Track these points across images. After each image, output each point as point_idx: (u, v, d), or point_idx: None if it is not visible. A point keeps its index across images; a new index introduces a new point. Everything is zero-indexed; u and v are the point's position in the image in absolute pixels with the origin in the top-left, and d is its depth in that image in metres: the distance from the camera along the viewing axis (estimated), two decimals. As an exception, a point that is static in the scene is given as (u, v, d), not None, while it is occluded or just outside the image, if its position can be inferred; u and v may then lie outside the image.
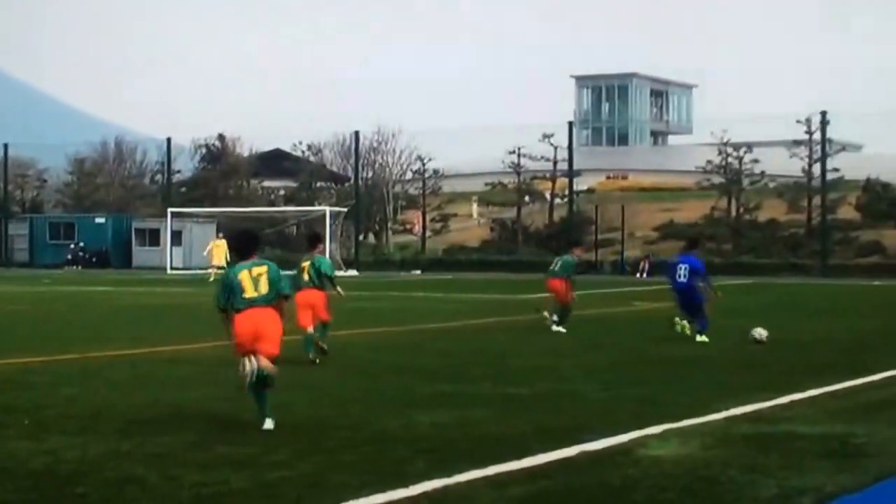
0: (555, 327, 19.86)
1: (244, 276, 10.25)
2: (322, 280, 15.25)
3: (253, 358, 9.92)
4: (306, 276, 15.23)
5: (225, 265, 49.12)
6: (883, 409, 10.85)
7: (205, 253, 49.84)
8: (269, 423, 9.80)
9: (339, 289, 15.87)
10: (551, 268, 20.85)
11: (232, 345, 10.22)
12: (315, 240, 16.40)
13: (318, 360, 14.69)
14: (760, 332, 17.78)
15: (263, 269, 10.34)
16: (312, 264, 15.35)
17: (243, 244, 10.86)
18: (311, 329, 15.01)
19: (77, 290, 36.40)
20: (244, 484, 7.53)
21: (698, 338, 17.95)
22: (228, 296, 10.18)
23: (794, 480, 7.64)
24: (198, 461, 8.25)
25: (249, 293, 10.14)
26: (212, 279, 46.45)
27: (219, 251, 47.14)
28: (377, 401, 11.38)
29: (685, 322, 18.63)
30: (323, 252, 12.77)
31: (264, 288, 10.16)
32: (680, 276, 18.65)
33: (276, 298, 10.22)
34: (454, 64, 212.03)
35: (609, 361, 15.21)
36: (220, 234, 52.83)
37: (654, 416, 10.11)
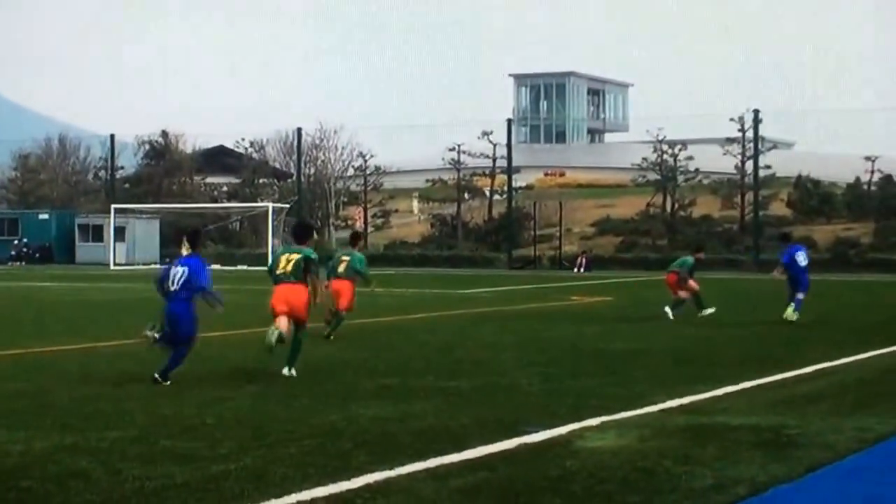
0: (669, 312, 21.94)
1: (283, 258, 13.41)
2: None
3: (276, 321, 12.98)
4: (340, 269, 18.05)
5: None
6: (814, 401, 11.07)
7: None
8: (286, 371, 12.85)
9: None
10: (671, 265, 23.51)
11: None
12: (300, 234, 14.63)
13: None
14: (790, 314, 20.85)
15: (296, 256, 13.24)
16: (352, 258, 18.19)
17: (299, 233, 14.13)
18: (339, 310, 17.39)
19: (20, 285, 35.99)
20: (187, 478, 7.57)
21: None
22: (271, 270, 13.50)
23: (729, 471, 7.79)
24: (141, 455, 8.27)
25: (280, 270, 13.23)
26: None
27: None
28: (320, 395, 11.43)
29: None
30: (312, 245, 14.04)
31: (290, 268, 13.07)
32: (800, 262, 21.59)
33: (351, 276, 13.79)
34: (395, 62, 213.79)
35: (548, 355, 15.35)
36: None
37: (593, 409, 10.27)
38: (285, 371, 13.00)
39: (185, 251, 12.67)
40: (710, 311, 22.20)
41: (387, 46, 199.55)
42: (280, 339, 12.83)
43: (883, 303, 27.23)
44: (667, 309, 21.89)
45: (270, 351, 12.84)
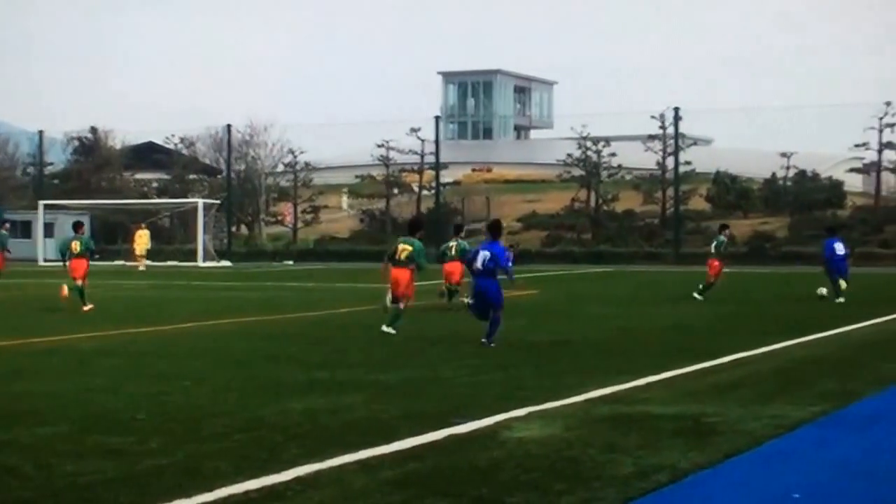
0: (697, 296, 25.55)
1: (399, 247, 17.79)
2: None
3: (388, 294, 17.78)
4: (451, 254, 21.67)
5: (145, 253, 49.61)
6: (732, 390, 11.34)
7: (135, 246, 50.05)
8: (385, 328, 17.20)
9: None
10: (711, 253, 27.11)
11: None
12: (414, 228, 19.16)
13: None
14: (822, 290, 25.16)
15: (409, 247, 17.73)
16: (459, 245, 21.51)
17: (413, 227, 18.87)
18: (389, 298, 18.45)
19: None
20: (119, 473, 7.59)
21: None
22: (391, 256, 17.74)
23: (651, 458, 7.97)
24: (73, 451, 8.28)
25: (398, 257, 17.59)
26: (141, 268, 46.60)
27: (141, 241, 49.18)
28: (251, 389, 11.48)
29: (825, 290, 25.40)
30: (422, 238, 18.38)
31: (404, 256, 17.49)
32: (838, 251, 25.88)
33: (413, 265, 17.53)
34: (324, 59, 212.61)
35: (475, 348, 15.46)
36: (143, 224, 52.78)
37: (519, 400, 10.42)
38: (385, 328, 17.36)
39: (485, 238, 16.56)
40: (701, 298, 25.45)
41: (316, 44, 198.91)
42: (392, 302, 17.78)
43: (797, 295, 27.78)
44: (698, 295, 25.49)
45: (385, 310, 18.04)
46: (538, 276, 41.46)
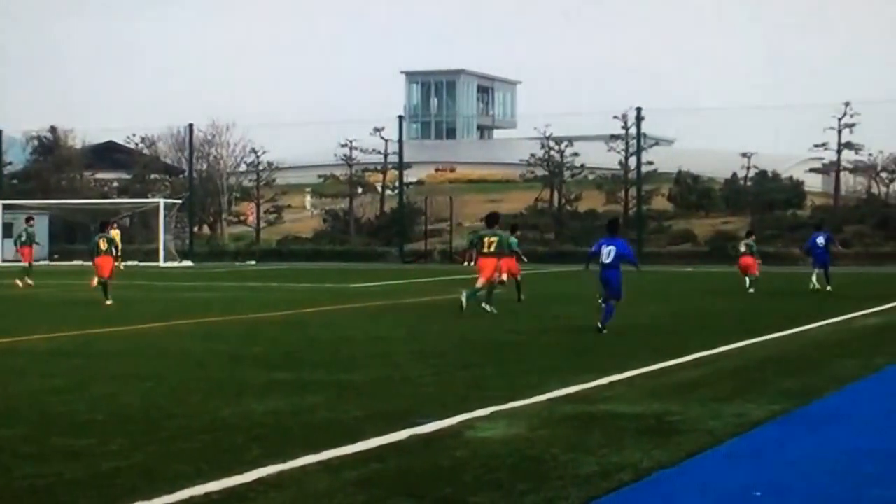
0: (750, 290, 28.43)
1: (486, 240, 21.54)
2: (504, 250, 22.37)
3: (480, 281, 21.28)
4: (486, 248, 22.02)
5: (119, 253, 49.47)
6: (694, 388, 11.40)
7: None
8: (489, 308, 21.09)
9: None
10: (742, 252, 30.42)
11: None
12: (492, 221, 22.52)
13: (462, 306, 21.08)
14: (815, 283, 28.39)
15: (495, 238, 21.67)
16: (500, 239, 22.28)
17: (490, 220, 22.43)
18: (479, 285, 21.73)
19: None
20: (78, 475, 7.52)
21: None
22: (474, 242, 22.05)
23: (614, 457, 7.99)
24: (31, 453, 8.20)
25: (486, 249, 21.42)
26: (122, 267, 46.48)
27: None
28: (212, 390, 11.42)
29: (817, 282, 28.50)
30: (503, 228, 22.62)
31: (493, 248, 21.36)
32: (819, 244, 29.54)
33: (502, 253, 21.49)
34: (287, 58, 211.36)
35: (439, 347, 15.51)
36: (115, 224, 52.56)
37: (482, 399, 10.42)
38: (487, 307, 21.15)
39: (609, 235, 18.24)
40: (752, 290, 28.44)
41: (278, 43, 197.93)
42: (491, 286, 21.56)
43: (756, 293, 27.99)
44: (751, 290, 28.40)
45: (486, 292, 21.56)
46: (501, 275, 41.48)
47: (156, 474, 7.55)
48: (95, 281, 25.13)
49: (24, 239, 36.14)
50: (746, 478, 7.48)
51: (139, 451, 8.27)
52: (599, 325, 17.39)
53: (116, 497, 6.98)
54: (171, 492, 7.01)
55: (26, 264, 34.27)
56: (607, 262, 17.93)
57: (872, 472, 7.64)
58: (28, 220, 37.86)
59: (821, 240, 29.75)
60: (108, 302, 24.13)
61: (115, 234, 50.51)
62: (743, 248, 30.60)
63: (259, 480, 7.33)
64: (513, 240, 24.88)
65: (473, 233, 26.14)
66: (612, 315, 17.66)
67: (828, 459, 8.05)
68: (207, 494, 7.00)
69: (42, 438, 8.78)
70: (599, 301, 18.43)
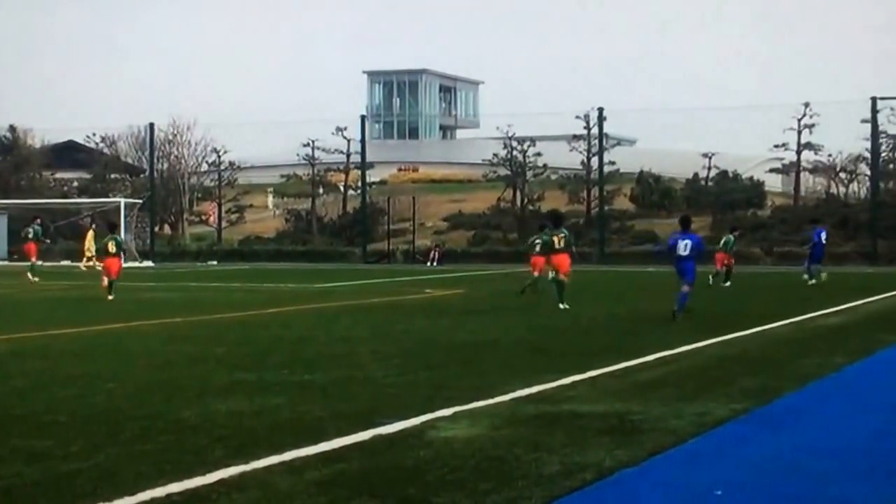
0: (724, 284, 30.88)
1: (555, 238, 23.58)
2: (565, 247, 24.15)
3: (551, 272, 23.54)
4: (557, 245, 23.83)
5: (94, 253, 49.42)
6: (656, 388, 11.44)
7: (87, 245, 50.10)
8: (562, 305, 22.48)
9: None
10: (718, 247, 32.82)
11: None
12: (559, 220, 25.13)
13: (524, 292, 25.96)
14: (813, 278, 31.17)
15: (562, 234, 23.79)
16: (566, 236, 24.20)
17: (558, 219, 25.10)
18: (536, 274, 26.14)
19: None
20: (38, 477, 7.46)
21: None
22: (546, 242, 24.05)
23: (577, 457, 8.02)
24: (-10, 455, 8.13)
25: (556, 245, 23.43)
26: (98, 267, 46.28)
27: (91, 242, 49.01)
28: (174, 390, 11.36)
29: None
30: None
31: (563, 244, 23.51)
32: (822, 240, 32.76)
33: (567, 249, 23.52)
34: (249, 57, 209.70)
35: (402, 347, 15.51)
36: (94, 225, 52.40)
37: (445, 400, 10.42)
38: (562, 305, 22.46)
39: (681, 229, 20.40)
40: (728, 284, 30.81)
41: (240, 42, 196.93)
42: (554, 280, 23.53)
43: (718, 293, 28.18)
44: (726, 284, 30.97)
45: (553, 282, 23.68)
46: (464, 275, 41.58)
47: (117, 476, 7.50)
48: (106, 281, 26.50)
49: (30, 236, 38.44)
50: (708, 477, 7.53)
51: (100, 453, 8.22)
52: (675, 310, 19.69)
53: (76, 499, 6.94)
54: (133, 493, 6.97)
55: (33, 260, 36.71)
56: (684, 254, 20.12)
57: (832, 471, 7.71)
58: (34, 219, 39.96)
59: (824, 235, 33.15)
60: (110, 297, 25.75)
61: (90, 235, 50.62)
62: (720, 245, 33.18)
63: (221, 481, 7.31)
64: (567, 232, 26.07)
65: (541, 234, 27.03)
66: (685, 303, 19.82)
67: (788, 458, 8.12)
68: (169, 496, 6.96)
69: (1, 440, 8.69)
70: (683, 287, 20.15)
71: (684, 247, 20.11)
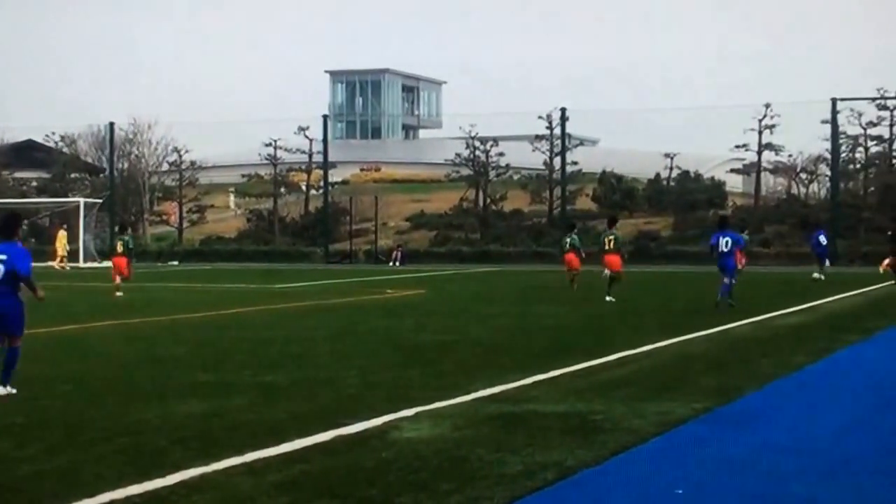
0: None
1: (606, 239, 26.25)
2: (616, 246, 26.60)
3: (606, 270, 25.49)
4: (608, 246, 26.23)
5: (66, 254, 49.12)
6: (618, 388, 11.47)
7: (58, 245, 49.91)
8: (609, 298, 24.75)
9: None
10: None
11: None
12: (612, 222, 28.25)
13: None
14: (817, 275, 33.52)
15: (612, 237, 26.11)
16: (616, 237, 26.67)
17: (610, 221, 27.79)
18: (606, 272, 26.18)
19: None
20: (-3, 479, 7.37)
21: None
22: (601, 246, 26.20)
23: (538, 456, 8.03)
24: (-54, 458, 8.04)
25: (607, 247, 25.81)
26: (68, 269, 45.97)
27: (62, 241, 50.18)
28: (133, 392, 11.28)
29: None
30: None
31: (613, 245, 25.75)
32: (823, 241, 35.72)
33: (617, 250, 25.88)
34: (210, 55, 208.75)
35: (364, 348, 15.48)
36: (65, 226, 51.99)
37: (407, 400, 10.42)
38: (608, 298, 24.84)
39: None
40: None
41: (202, 40, 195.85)
42: (609, 278, 25.57)
43: (680, 293, 28.34)
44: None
45: (608, 278, 25.69)
46: (426, 275, 41.57)
47: (76, 478, 7.44)
48: (118, 278, 28.44)
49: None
50: (670, 476, 7.55)
51: (59, 455, 8.15)
52: (720, 298, 22.01)
53: (35, 501, 6.89)
54: (92, 495, 6.93)
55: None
56: (725, 250, 22.48)
57: (791, 470, 7.75)
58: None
59: (822, 238, 36.06)
60: (118, 294, 27.66)
61: (61, 235, 50.40)
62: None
63: (181, 483, 7.27)
64: (618, 234, 28.25)
65: (570, 234, 30.79)
66: (729, 292, 22.24)
67: (749, 457, 8.16)
68: (129, 498, 6.92)
69: (-42, 443, 8.60)
70: (725, 280, 22.40)
71: (724, 244, 22.47)
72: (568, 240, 30.46)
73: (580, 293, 27.49)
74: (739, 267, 30.37)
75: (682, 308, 23.60)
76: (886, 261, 34.39)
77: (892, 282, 33.21)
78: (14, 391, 11.08)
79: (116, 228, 36.06)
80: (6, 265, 11.16)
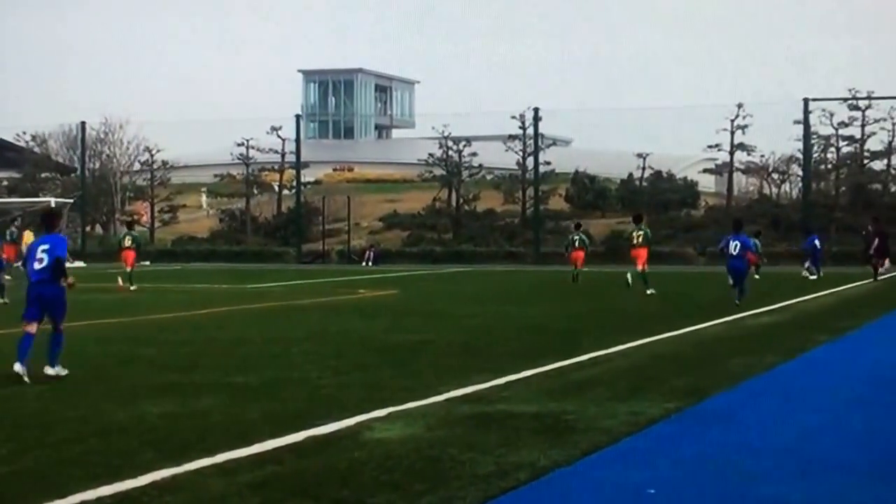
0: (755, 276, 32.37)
1: (633, 235, 28.44)
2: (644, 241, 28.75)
3: (638, 267, 27.77)
4: (635, 241, 28.39)
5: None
6: (590, 388, 11.49)
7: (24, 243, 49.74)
8: (649, 291, 26.57)
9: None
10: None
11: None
12: (638, 218, 29.68)
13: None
14: (807, 273, 34.93)
15: (641, 233, 28.22)
16: (645, 233, 28.59)
17: (635, 218, 29.61)
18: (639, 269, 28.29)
19: None
20: (-35, 481, 7.34)
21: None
22: (630, 242, 28.34)
23: (511, 457, 8.04)
24: (-85, 460, 7.97)
25: (634, 242, 28.09)
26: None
27: (27, 242, 49.41)
28: (105, 393, 11.22)
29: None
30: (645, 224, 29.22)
31: (641, 240, 28.09)
32: (819, 245, 37.70)
33: (645, 245, 28.18)
34: (182, 55, 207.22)
35: (336, 348, 15.45)
36: (30, 224, 51.72)
37: (380, 400, 10.41)
38: (649, 292, 26.75)
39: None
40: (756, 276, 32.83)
41: (174, 39, 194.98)
42: (634, 276, 27.64)
43: (653, 293, 28.39)
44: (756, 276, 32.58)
45: (629, 285, 27.89)
46: (399, 275, 41.54)
47: (47, 479, 7.41)
48: (129, 270, 30.98)
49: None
50: (641, 476, 7.58)
51: (29, 456, 8.12)
52: (737, 303, 22.50)
53: (6, 502, 6.85)
54: (63, 496, 6.90)
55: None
56: (735, 253, 23.10)
57: (762, 470, 7.79)
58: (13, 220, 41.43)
59: (817, 242, 38.17)
60: (133, 287, 29.95)
61: (27, 235, 50.09)
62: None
63: (153, 484, 7.25)
64: (647, 230, 30.04)
65: (577, 233, 32.98)
66: (746, 293, 23.17)
67: (720, 457, 8.19)
68: (100, 499, 6.90)
69: (-73, 444, 8.53)
70: (731, 284, 23.36)
71: (735, 247, 23.14)
72: (576, 238, 32.46)
73: (581, 286, 30.43)
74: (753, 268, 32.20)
75: (655, 308, 23.67)
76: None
77: (872, 280, 33.66)
78: (66, 372, 12.33)
79: (125, 226, 39.43)
80: (50, 254, 12.36)
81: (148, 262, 56.09)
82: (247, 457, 8.04)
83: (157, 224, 67.75)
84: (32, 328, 12.33)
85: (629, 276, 28.85)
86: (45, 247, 12.46)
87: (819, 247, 38.83)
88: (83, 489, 7.05)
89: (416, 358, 14.32)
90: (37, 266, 12.33)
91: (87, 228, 65.21)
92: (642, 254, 28.29)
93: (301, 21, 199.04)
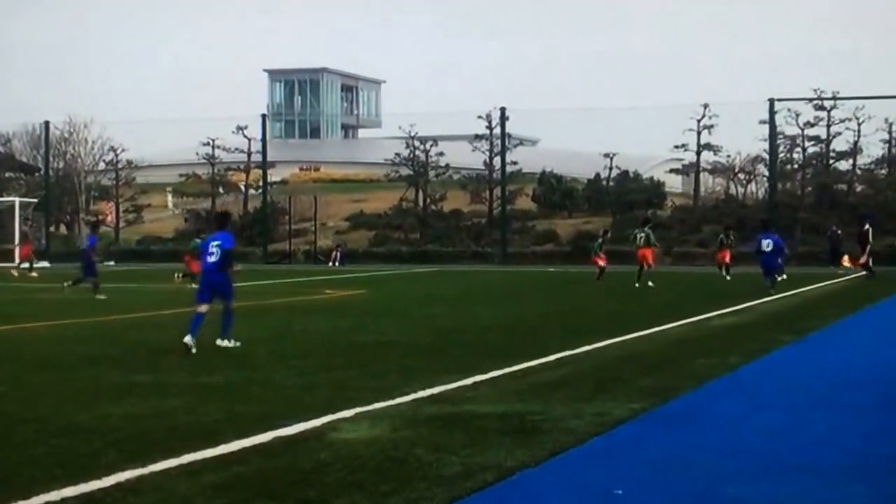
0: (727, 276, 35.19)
1: (640, 234, 31.23)
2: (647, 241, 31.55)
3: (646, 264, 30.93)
4: (639, 242, 30.91)
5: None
6: (557, 388, 11.50)
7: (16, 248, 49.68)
8: (651, 283, 29.71)
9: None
10: (720, 246, 37.25)
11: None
12: (645, 221, 32.38)
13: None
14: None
15: (643, 233, 31.21)
16: (647, 235, 30.74)
17: (643, 221, 33.43)
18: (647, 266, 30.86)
19: None
20: (-74, 483, 7.26)
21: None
22: (635, 242, 31.49)
23: (477, 457, 8.03)
24: None
25: (638, 242, 31.40)
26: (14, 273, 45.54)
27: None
28: (67, 393, 11.13)
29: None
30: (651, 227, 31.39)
31: (641, 241, 30.66)
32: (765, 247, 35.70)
33: (648, 245, 31.30)
34: (146, 54, 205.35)
35: (302, 348, 15.41)
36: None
37: (346, 401, 10.36)
38: (650, 284, 29.00)
39: None
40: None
41: (138, 38, 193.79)
42: (646, 276, 29.61)
43: (618, 293, 28.52)
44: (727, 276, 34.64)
45: (650, 285, 29.22)
46: (365, 275, 41.50)
47: (9, 480, 7.34)
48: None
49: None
50: (608, 476, 7.59)
51: (-9, 458, 8.02)
52: (771, 292, 25.84)
53: (-34, 506, 6.76)
54: (26, 497, 6.83)
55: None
56: (767, 250, 26.42)
57: (728, 471, 7.81)
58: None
59: (767, 243, 39.85)
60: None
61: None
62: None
63: (117, 485, 7.19)
64: (650, 232, 32.12)
65: (639, 230, 32.80)
66: (774, 285, 26.51)
67: (685, 458, 8.22)
68: (64, 500, 6.84)
69: None
70: (763, 281, 26.37)
71: (766, 245, 26.32)
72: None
73: (606, 285, 31.30)
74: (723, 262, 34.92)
75: (618, 308, 23.75)
76: (846, 257, 36.08)
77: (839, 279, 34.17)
78: (238, 343, 14.85)
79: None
80: (221, 248, 14.87)
81: (113, 263, 55.82)
82: (212, 458, 7.99)
83: (121, 224, 67.37)
84: (203, 308, 14.81)
85: (650, 282, 30.35)
86: (217, 242, 14.99)
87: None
88: (46, 490, 6.98)
89: (382, 358, 14.29)
90: (210, 259, 14.81)
91: (52, 228, 64.77)
92: (647, 254, 30.80)
93: (266, 20, 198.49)
